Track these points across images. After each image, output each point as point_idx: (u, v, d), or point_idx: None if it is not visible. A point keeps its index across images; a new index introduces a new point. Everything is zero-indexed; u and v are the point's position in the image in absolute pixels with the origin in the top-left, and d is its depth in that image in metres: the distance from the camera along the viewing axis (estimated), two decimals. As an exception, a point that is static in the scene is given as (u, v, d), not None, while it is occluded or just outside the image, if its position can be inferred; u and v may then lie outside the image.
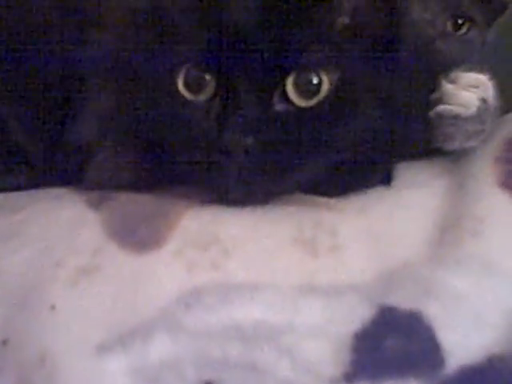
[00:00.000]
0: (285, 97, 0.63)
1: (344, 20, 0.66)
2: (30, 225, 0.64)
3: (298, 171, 0.64)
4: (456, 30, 0.92)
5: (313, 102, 0.63)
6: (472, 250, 0.60)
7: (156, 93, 0.68)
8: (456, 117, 0.70)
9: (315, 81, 0.63)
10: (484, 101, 0.71)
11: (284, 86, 0.63)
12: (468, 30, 0.93)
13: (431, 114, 0.71)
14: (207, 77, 0.64)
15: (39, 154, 0.76)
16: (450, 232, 0.62)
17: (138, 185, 0.69)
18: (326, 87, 0.63)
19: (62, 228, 0.63)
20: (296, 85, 0.63)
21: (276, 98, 0.63)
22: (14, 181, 0.76)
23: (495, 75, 0.75)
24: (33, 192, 0.73)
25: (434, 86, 0.74)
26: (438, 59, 0.87)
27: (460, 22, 0.92)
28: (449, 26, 0.92)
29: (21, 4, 0.80)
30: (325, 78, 0.63)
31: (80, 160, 0.72)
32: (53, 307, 0.57)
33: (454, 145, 0.72)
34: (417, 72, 0.71)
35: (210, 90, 0.64)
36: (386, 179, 0.69)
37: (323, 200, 0.66)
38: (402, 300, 0.57)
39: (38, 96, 0.76)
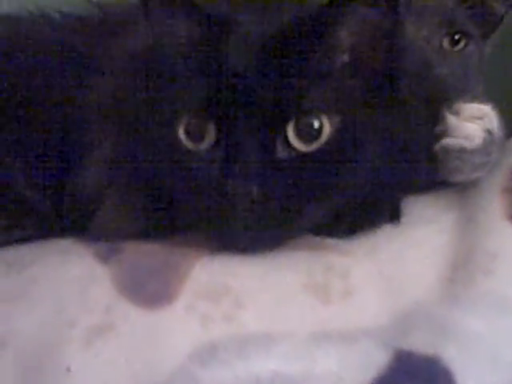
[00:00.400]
0: (287, 143, 0.63)
1: (343, 58, 0.66)
2: (39, 283, 0.64)
3: (304, 216, 0.64)
4: (453, 46, 0.92)
5: (315, 146, 0.63)
6: (486, 288, 0.60)
7: (158, 141, 0.68)
8: (461, 150, 0.70)
9: (316, 125, 0.63)
10: (489, 132, 0.70)
11: (285, 131, 0.63)
12: (465, 45, 0.92)
13: (436, 147, 0.71)
14: (208, 125, 0.64)
15: (45, 205, 0.76)
16: (462, 270, 0.62)
17: (146, 233, 0.69)
18: (327, 131, 0.63)
19: (72, 286, 0.63)
20: (297, 130, 0.63)
21: (278, 145, 0.63)
22: (21, 233, 0.75)
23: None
24: (40, 245, 0.73)
25: (436, 116, 0.74)
26: (436, 79, 0.87)
27: (457, 37, 0.92)
28: (446, 42, 0.92)
29: (20, 53, 0.80)
30: (326, 122, 0.63)
31: (86, 209, 0.72)
32: (68, 369, 0.57)
33: (460, 177, 0.71)
34: (418, 102, 0.71)
35: (211, 138, 0.64)
36: (395, 216, 0.68)
37: (332, 242, 0.66)
38: (418, 343, 0.57)
39: (41, 147, 0.76)
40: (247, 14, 0.71)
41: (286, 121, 0.63)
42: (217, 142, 0.64)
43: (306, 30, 0.65)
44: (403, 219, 0.68)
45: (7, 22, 0.89)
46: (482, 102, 0.74)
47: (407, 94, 0.69)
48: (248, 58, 0.64)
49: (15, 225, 0.76)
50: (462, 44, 0.92)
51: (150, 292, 0.61)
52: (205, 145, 0.65)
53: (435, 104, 0.75)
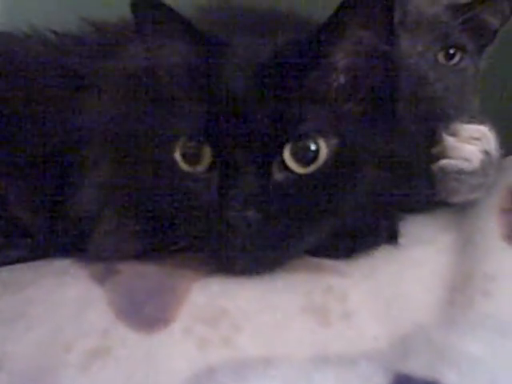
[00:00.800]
0: (283, 165, 0.63)
1: (340, 80, 0.66)
2: (35, 305, 0.63)
3: (302, 238, 0.64)
4: (448, 60, 0.92)
5: (312, 168, 0.63)
6: (484, 311, 0.60)
7: (154, 163, 0.67)
8: (459, 171, 0.70)
9: (313, 147, 0.63)
10: (486, 153, 0.70)
11: (282, 154, 0.62)
12: (460, 59, 0.93)
13: (434, 168, 0.71)
14: (204, 148, 0.64)
15: (39, 226, 0.75)
16: (460, 292, 0.62)
17: (142, 255, 0.69)
18: (324, 153, 0.63)
19: (68, 308, 0.62)
20: (294, 153, 0.63)
21: (275, 168, 0.63)
22: (16, 254, 0.75)
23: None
24: (36, 265, 0.72)
25: (434, 135, 0.74)
26: (432, 95, 0.87)
27: (452, 51, 0.92)
28: (440, 57, 0.92)
29: (15, 74, 0.79)
30: (322, 144, 0.63)
31: (82, 230, 0.72)
32: (64, 394, 0.56)
33: (458, 198, 0.71)
34: (415, 121, 0.71)
35: (207, 161, 0.64)
36: (393, 237, 0.68)
37: (331, 263, 0.66)
38: (418, 367, 0.57)
39: (36, 168, 0.75)
40: (243, 36, 0.71)
41: (282, 144, 0.62)
42: (213, 165, 0.64)
43: (301, 52, 0.65)
44: (401, 240, 0.68)
45: (0, 39, 0.89)
46: (479, 121, 0.73)
47: (404, 113, 0.69)
48: (243, 80, 0.64)
49: (10, 245, 0.75)
50: (456, 58, 0.92)
51: (147, 315, 0.61)
52: (201, 167, 0.64)
53: (432, 122, 0.75)
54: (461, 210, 0.72)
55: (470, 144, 0.71)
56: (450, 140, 0.71)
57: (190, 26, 0.67)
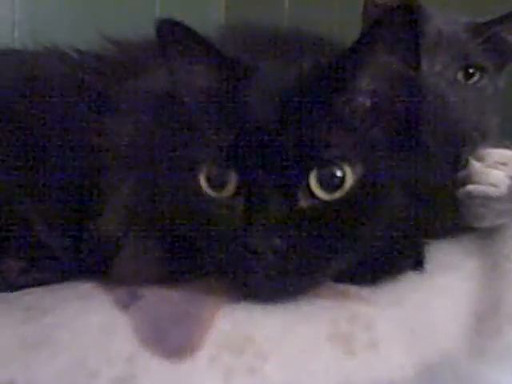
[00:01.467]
0: (309, 192, 0.62)
1: (365, 105, 0.65)
2: (60, 330, 0.63)
3: (328, 265, 0.63)
4: (467, 79, 0.92)
5: (337, 195, 0.62)
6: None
7: (177, 187, 0.67)
8: (486, 197, 0.69)
9: (339, 174, 0.62)
10: None
11: (308, 181, 0.62)
12: (479, 78, 0.92)
13: (460, 193, 0.70)
14: (229, 174, 0.64)
15: (63, 249, 0.75)
16: (487, 320, 0.61)
17: (166, 279, 0.68)
18: (350, 180, 0.62)
19: (92, 334, 0.62)
20: (320, 179, 0.62)
21: (300, 194, 0.62)
22: (40, 276, 0.75)
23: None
24: (59, 289, 0.72)
25: (458, 159, 0.73)
26: (452, 114, 0.87)
27: (471, 71, 0.92)
28: (460, 76, 0.92)
29: (38, 95, 0.79)
30: (348, 171, 0.62)
31: (105, 254, 0.71)
32: (89, 423, 0.56)
33: (484, 223, 0.71)
34: (438, 143, 0.70)
35: (232, 186, 0.64)
36: (418, 264, 0.67)
37: (356, 290, 0.65)
38: (445, 398, 0.56)
39: (60, 191, 0.75)
40: (268, 60, 0.71)
41: (307, 170, 0.62)
42: (238, 190, 0.63)
43: (326, 77, 0.65)
44: (426, 266, 0.67)
45: (23, 57, 0.89)
46: (505, 145, 0.73)
47: (427, 136, 0.68)
48: (269, 105, 0.64)
49: (34, 267, 0.75)
50: (476, 77, 0.92)
51: (172, 343, 0.60)
52: (226, 193, 0.64)
53: (455, 145, 0.75)
54: (487, 236, 0.71)
55: (496, 169, 0.70)
56: (476, 165, 0.71)
57: (215, 50, 0.67)
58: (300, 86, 0.65)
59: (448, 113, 0.87)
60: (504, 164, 0.70)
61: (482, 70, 0.93)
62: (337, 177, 0.62)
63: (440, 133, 0.73)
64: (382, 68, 0.65)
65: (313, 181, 0.62)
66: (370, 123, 0.65)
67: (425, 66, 0.90)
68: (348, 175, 0.62)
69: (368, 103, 0.66)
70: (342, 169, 0.62)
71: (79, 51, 0.87)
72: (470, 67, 0.92)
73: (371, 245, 0.64)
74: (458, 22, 0.97)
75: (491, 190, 0.69)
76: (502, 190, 0.69)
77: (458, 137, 0.78)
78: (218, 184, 0.64)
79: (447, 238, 0.71)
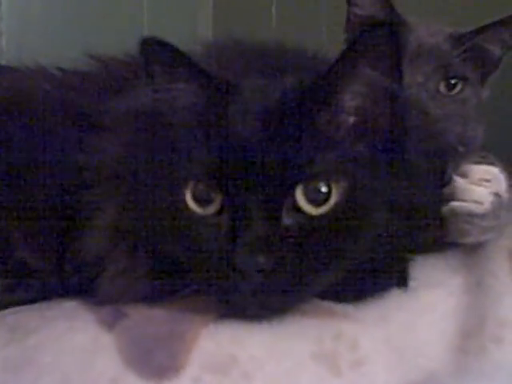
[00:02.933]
0: (294, 208, 0.62)
1: (349, 121, 0.66)
2: (44, 352, 0.63)
3: (313, 282, 0.63)
4: (450, 90, 0.92)
5: (323, 210, 0.62)
6: (497, 359, 0.59)
7: (163, 205, 0.67)
8: (470, 214, 0.69)
9: (324, 189, 0.62)
10: (497, 195, 0.70)
11: (293, 197, 0.62)
12: (462, 89, 0.93)
13: (445, 210, 0.70)
14: (214, 191, 0.64)
15: (46, 268, 0.74)
16: (472, 338, 0.61)
17: (151, 297, 0.68)
18: (335, 195, 0.62)
19: (76, 355, 0.62)
20: (305, 194, 0.62)
21: (285, 211, 0.62)
22: (23, 295, 0.74)
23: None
24: (43, 308, 0.71)
25: (442, 174, 0.73)
26: (434, 125, 0.87)
27: (453, 81, 0.92)
28: (442, 87, 0.92)
29: (19, 111, 0.79)
30: (334, 186, 0.62)
31: (90, 273, 0.71)
32: None
33: (469, 240, 0.70)
34: (421, 158, 0.70)
35: (217, 204, 0.64)
36: (403, 281, 0.67)
37: (341, 308, 0.65)
38: (430, 417, 0.56)
39: (42, 210, 0.74)
40: (252, 77, 0.70)
41: (292, 186, 0.62)
42: (223, 208, 0.63)
43: (310, 93, 0.65)
44: (412, 283, 0.67)
45: (5, 75, 0.88)
46: (489, 162, 0.73)
47: (411, 150, 0.68)
48: (252, 123, 0.64)
49: (17, 286, 0.75)
50: (458, 88, 0.92)
51: (157, 364, 0.60)
52: (211, 210, 0.64)
53: (438, 158, 0.74)
54: (472, 252, 0.71)
55: (480, 186, 0.70)
56: (460, 182, 0.71)
57: (199, 68, 0.67)
58: (283, 103, 0.65)
59: (431, 125, 0.87)
60: (488, 181, 0.70)
61: (464, 80, 0.93)
62: (322, 192, 0.62)
63: (423, 147, 0.73)
64: (365, 84, 0.65)
65: (298, 195, 0.62)
66: (354, 139, 0.65)
67: (406, 77, 0.90)
68: (334, 190, 0.62)
69: (352, 119, 0.66)
70: (327, 184, 0.62)
71: (62, 70, 0.86)
72: (452, 78, 0.93)
73: (356, 261, 0.64)
74: (441, 32, 0.97)
75: (475, 207, 0.69)
76: (486, 206, 0.69)
77: (441, 150, 0.78)
78: (203, 201, 0.64)
79: (432, 255, 0.71)
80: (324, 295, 0.66)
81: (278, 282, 0.61)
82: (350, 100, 0.66)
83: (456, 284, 0.67)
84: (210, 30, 1.63)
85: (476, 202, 0.69)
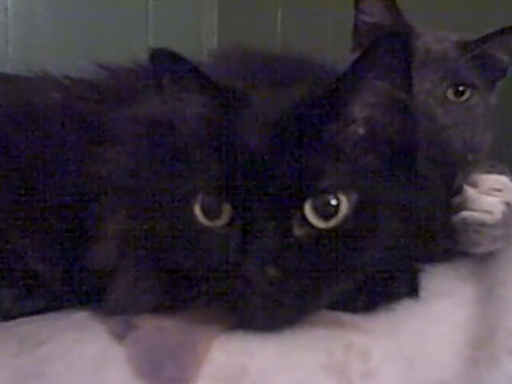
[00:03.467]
0: (304, 220, 0.62)
1: (358, 132, 0.65)
2: (54, 363, 0.63)
3: (323, 293, 0.63)
4: (458, 97, 0.92)
5: (332, 223, 0.62)
6: (509, 370, 0.59)
7: (172, 216, 0.67)
8: (480, 223, 0.69)
9: (333, 202, 0.62)
10: (508, 204, 0.70)
11: (302, 209, 0.62)
12: (470, 95, 0.93)
13: (455, 220, 0.70)
14: (223, 203, 0.63)
15: (56, 278, 0.74)
16: (484, 349, 0.61)
17: (162, 308, 0.68)
18: (344, 208, 0.62)
19: (86, 367, 0.62)
20: (314, 208, 0.62)
21: (295, 223, 0.62)
22: (33, 305, 0.74)
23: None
24: (53, 318, 0.71)
25: (452, 181, 0.73)
26: (442, 132, 0.87)
27: (461, 88, 0.92)
28: (450, 94, 0.92)
29: (31, 122, 0.79)
30: (343, 199, 0.62)
31: (99, 283, 0.71)
32: None
33: (479, 249, 0.71)
34: (431, 167, 0.70)
35: (227, 216, 0.64)
36: (413, 291, 0.67)
37: (351, 319, 0.65)
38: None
39: (52, 219, 0.74)
40: (260, 87, 0.70)
41: (302, 199, 0.62)
42: (233, 220, 0.63)
43: (319, 105, 0.65)
44: (422, 293, 0.67)
45: (15, 84, 0.88)
46: (499, 171, 0.73)
47: (420, 159, 0.68)
48: (262, 135, 0.64)
49: (27, 296, 0.75)
50: (466, 95, 0.92)
51: (167, 375, 0.60)
52: (221, 222, 0.64)
53: (448, 166, 0.74)
54: (482, 261, 0.71)
55: (491, 195, 0.70)
56: (470, 191, 0.71)
57: (208, 79, 0.67)
58: (293, 114, 0.65)
59: (439, 133, 0.87)
60: (498, 190, 0.70)
61: (472, 87, 0.93)
62: (332, 205, 0.62)
63: (432, 155, 0.73)
64: (375, 94, 0.65)
65: (307, 209, 0.62)
66: (363, 150, 0.65)
67: (414, 85, 0.90)
68: (343, 203, 0.62)
69: (362, 130, 0.66)
70: (336, 197, 0.62)
71: (70, 78, 0.86)
72: (460, 85, 0.93)
73: (366, 272, 0.64)
74: (448, 39, 0.97)
75: (486, 217, 0.69)
76: (497, 216, 0.69)
77: (450, 159, 0.78)
78: (212, 214, 0.64)
79: (442, 265, 0.71)
80: (334, 306, 0.66)
81: (288, 294, 0.61)
82: (360, 111, 0.66)
83: (466, 294, 0.67)
84: (215, 35, 1.63)
85: (486, 211, 0.69)
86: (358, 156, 0.65)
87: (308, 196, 0.62)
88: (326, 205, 0.62)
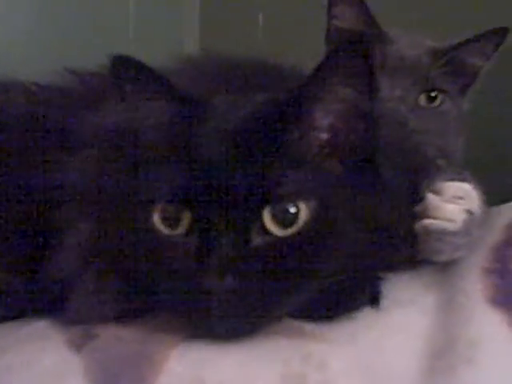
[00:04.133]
0: (263, 229, 0.62)
1: (320, 139, 0.65)
2: (14, 373, 0.63)
3: (282, 302, 0.62)
4: (430, 103, 0.92)
5: (291, 231, 0.62)
6: (466, 380, 0.58)
7: (133, 225, 0.66)
8: (442, 231, 0.69)
9: (293, 210, 0.62)
10: (470, 212, 0.69)
11: (261, 217, 0.61)
12: (442, 101, 0.92)
13: (417, 227, 0.70)
14: (182, 212, 0.63)
15: (18, 287, 0.74)
16: (443, 358, 0.60)
17: (120, 318, 0.68)
18: (303, 215, 0.62)
19: (46, 378, 0.61)
20: (273, 216, 0.62)
21: (253, 231, 0.62)
22: (-4, 313, 0.74)
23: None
24: (15, 327, 0.71)
25: (416, 189, 0.73)
26: (412, 141, 0.87)
27: (433, 94, 0.92)
28: (422, 100, 0.92)
29: None
30: (303, 206, 0.62)
31: (61, 292, 0.70)
32: None
33: (441, 257, 0.70)
34: (397, 175, 0.70)
35: (186, 225, 0.63)
36: (374, 300, 0.66)
37: (311, 328, 0.64)
38: None
39: (14, 227, 0.74)
40: (223, 95, 0.70)
41: (260, 208, 0.61)
42: (192, 228, 0.63)
43: (279, 112, 0.65)
44: (383, 302, 0.66)
45: None
46: (463, 178, 0.72)
47: (384, 166, 0.68)
48: (221, 143, 0.64)
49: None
50: (438, 101, 0.92)
51: (124, 387, 0.59)
52: (180, 231, 0.63)
53: (415, 174, 0.74)
54: (444, 270, 0.71)
55: (453, 203, 0.70)
56: (432, 199, 0.70)
57: (169, 87, 0.67)
58: (252, 121, 0.65)
59: (410, 139, 0.87)
60: (461, 198, 0.70)
61: (444, 93, 0.93)
62: (290, 213, 0.62)
63: (400, 162, 0.72)
64: (337, 101, 0.65)
65: (266, 218, 0.62)
66: (325, 157, 0.65)
67: (386, 90, 0.90)
68: (302, 211, 0.62)
69: (323, 137, 0.66)
70: (295, 205, 0.62)
71: (38, 84, 0.86)
72: (432, 91, 0.93)
73: (326, 280, 0.64)
74: (421, 45, 0.97)
75: (448, 225, 0.69)
76: (458, 224, 0.69)
77: (418, 165, 0.78)
78: (171, 222, 0.64)
79: (404, 273, 0.70)
80: (295, 314, 0.65)
81: (247, 303, 0.60)
82: (322, 117, 0.66)
83: (428, 303, 0.67)
84: (198, 40, 1.63)
85: (448, 219, 0.69)
86: (319, 163, 0.65)
87: (266, 204, 0.61)
88: (284, 213, 0.62)
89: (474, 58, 0.97)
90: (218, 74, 0.78)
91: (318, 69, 0.64)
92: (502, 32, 0.96)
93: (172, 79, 0.68)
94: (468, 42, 0.96)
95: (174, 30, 1.62)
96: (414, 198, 0.71)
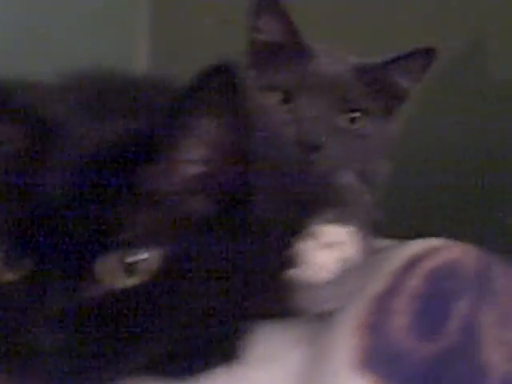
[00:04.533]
0: (99, 278, 0.55)
1: (180, 175, 0.59)
2: None
3: (123, 360, 0.56)
4: (350, 124, 0.87)
5: (134, 280, 0.56)
6: None
7: None
8: (313, 281, 0.63)
9: (134, 259, 0.55)
10: (344, 261, 0.63)
11: (97, 266, 0.55)
12: (364, 122, 0.87)
13: (288, 275, 0.64)
14: (14, 257, 0.56)
15: None
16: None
17: None
18: (150, 263, 0.56)
19: None
20: (110, 264, 0.55)
21: (89, 282, 0.55)
22: None
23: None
24: None
25: (299, 226, 0.67)
26: (324, 163, 0.81)
27: (353, 115, 0.87)
28: (342, 121, 0.87)
29: None
30: (151, 254, 0.56)
31: None
32: None
33: (312, 308, 0.64)
34: (275, 215, 0.64)
35: (19, 271, 0.56)
36: (236, 354, 0.60)
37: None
38: None
39: None
40: (84, 121, 0.62)
41: (96, 255, 0.55)
42: (24, 276, 0.56)
43: (137, 143, 0.58)
44: (245, 358, 0.60)
45: None
46: (345, 222, 0.66)
47: (263, 206, 0.62)
48: (65, 178, 0.57)
49: None
50: (359, 122, 0.87)
51: None
52: (11, 278, 0.56)
53: (299, 213, 0.68)
54: (315, 322, 0.64)
55: (327, 250, 0.64)
56: (305, 245, 0.64)
57: (20, 109, 0.60)
58: (103, 154, 0.58)
59: (320, 166, 0.81)
60: (337, 244, 0.64)
61: (366, 114, 0.87)
62: (131, 262, 0.55)
63: (283, 200, 0.66)
64: (201, 135, 0.59)
65: (103, 267, 0.55)
66: (184, 197, 0.59)
67: (302, 110, 0.84)
68: (149, 259, 0.56)
69: (193, 170, 0.59)
70: (139, 252, 0.55)
71: None
72: (353, 111, 0.87)
73: (180, 335, 0.58)
74: (345, 61, 0.92)
75: (318, 275, 0.63)
76: (330, 274, 0.63)
77: (309, 201, 0.72)
78: (2, 268, 0.57)
79: (272, 325, 0.64)
80: (146, 371, 0.59)
81: (82, 363, 0.54)
82: (192, 149, 0.59)
83: (294, 358, 0.61)
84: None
85: (319, 268, 0.63)
86: (184, 200, 0.59)
87: (103, 251, 0.55)
88: (123, 261, 0.55)
89: (401, 79, 0.92)
90: (93, 94, 0.70)
91: (178, 99, 0.58)
92: (429, 53, 0.90)
93: (36, 99, 0.62)
94: (393, 60, 0.91)
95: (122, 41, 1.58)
96: (288, 242, 0.65)
